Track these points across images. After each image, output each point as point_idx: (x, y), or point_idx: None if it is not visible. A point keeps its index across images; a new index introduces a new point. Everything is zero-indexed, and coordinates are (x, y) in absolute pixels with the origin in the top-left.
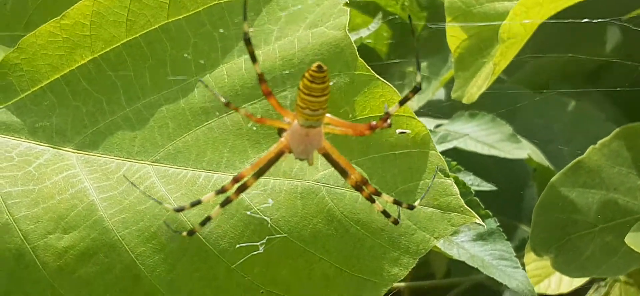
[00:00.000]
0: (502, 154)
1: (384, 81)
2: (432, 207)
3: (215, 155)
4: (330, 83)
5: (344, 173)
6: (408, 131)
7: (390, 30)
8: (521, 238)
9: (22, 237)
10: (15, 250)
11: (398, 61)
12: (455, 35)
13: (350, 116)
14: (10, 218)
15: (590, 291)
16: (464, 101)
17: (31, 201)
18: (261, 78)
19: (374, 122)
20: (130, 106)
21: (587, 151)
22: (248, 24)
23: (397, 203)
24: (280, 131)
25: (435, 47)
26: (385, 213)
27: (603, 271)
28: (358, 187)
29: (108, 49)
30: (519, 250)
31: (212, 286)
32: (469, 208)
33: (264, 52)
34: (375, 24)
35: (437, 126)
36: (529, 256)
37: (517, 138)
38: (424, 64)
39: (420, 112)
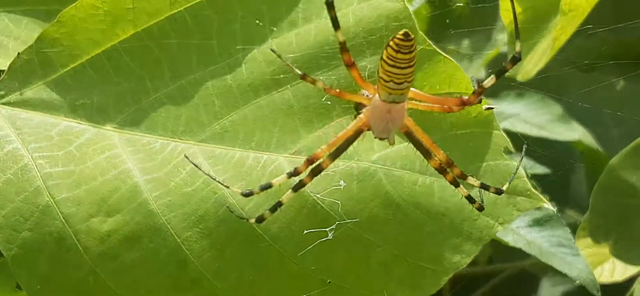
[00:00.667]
0: (552, 136)
1: (447, 56)
2: (497, 192)
3: (265, 135)
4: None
5: (427, 153)
6: (496, 106)
7: (428, 7)
8: (568, 224)
9: (63, 220)
10: (57, 234)
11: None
12: (509, 8)
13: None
14: (51, 200)
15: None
16: (519, 78)
17: (72, 182)
18: (343, 46)
19: (465, 97)
20: (175, 83)
21: None
22: None
23: (483, 187)
24: (359, 107)
25: (478, 24)
26: (470, 199)
27: None
28: (442, 169)
29: (151, 23)
30: None
31: (262, 273)
32: (536, 193)
33: (315, 27)
34: (418, 1)
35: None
36: (581, 242)
37: (567, 119)
38: (466, 42)
39: None
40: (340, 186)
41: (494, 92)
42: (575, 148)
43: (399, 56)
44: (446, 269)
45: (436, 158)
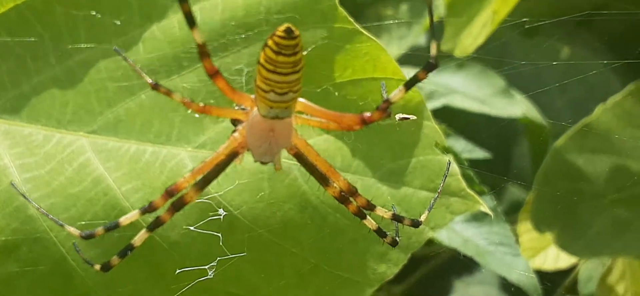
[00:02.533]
0: (494, 112)
1: (369, 35)
2: (427, 190)
3: (165, 125)
4: (305, 52)
5: (324, 180)
6: (413, 117)
7: None
8: (510, 201)
9: None
10: None
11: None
12: None
13: (329, 79)
14: None
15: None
16: (456, 53)
17: None
18: (203, 50)
19: (368, 114)
20: (61, 64)
21: (596, 111)
22: None
23: (396, 219)
24: (235, 123)
25: None
26: (379, 232)
27: (614, 249)
28: (343, 198)
29: None
30: (509, 216)
31: (159, 286)
32: (472, 193)
33: (223, 0)
34: None
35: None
36: (523, 225)
37: (510, 93)
38: (404, 7)
39: (400, 62)
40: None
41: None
42: (518, 121)
43: (280, 58)
44: (370, 280)
45: (335, 185)
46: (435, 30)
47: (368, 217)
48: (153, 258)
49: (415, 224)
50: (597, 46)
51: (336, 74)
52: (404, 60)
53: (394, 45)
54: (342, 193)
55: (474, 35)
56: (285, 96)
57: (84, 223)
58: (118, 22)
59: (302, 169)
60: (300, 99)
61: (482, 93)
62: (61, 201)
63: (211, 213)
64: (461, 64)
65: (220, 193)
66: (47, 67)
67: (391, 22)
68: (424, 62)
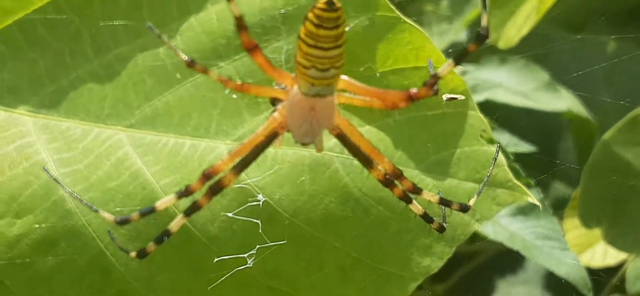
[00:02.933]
0: (538, 107)
1: (413, 23)
2: (473, 181)
3: (203, 119)
4: (347, 28)
5: (368, 162)
6: (461, 97)
7: None
8: (555, 197)
9: None
10: None
11: None
12: None
13: (371, 68)
14: None
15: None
16: (501, 45)
17: None
18: (240, 23)
19: (415, 90)
20: (99, 58)
21: None
22: None
23: (444, 203)
24: (274, 102)
25: None
26: (426, 217)
27: None
28: (388, 181)
29: None
30: (554, 211)
31: (200, 280)
32: (519, 184)
33: None
34: None
35: (463, 73)
36: (570, 222)
37: (554, 86)
38: (444, 3)
39: None
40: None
41: (474, 58)
42: (563, 117)
43: (322, 32)
44: (414, 274)
45: (380, 167)
46: (485, 1)
47: (414, 201)
48: (192, 251)
49: (464, 208)
50: None
51: (378, 64)
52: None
53: (434, 41)
54: (387, 176)
55: (518, 26)
56: (327, 72)
57: (124, 215)
58: (156, 15)
59: (344, 160)
60: (343, 77)
61: (525, 87)
62: (99, 195)
63: (250, 200)
64: (504, 58)
65: (259, 185)
66: (85, 62)
67: (431, 17)
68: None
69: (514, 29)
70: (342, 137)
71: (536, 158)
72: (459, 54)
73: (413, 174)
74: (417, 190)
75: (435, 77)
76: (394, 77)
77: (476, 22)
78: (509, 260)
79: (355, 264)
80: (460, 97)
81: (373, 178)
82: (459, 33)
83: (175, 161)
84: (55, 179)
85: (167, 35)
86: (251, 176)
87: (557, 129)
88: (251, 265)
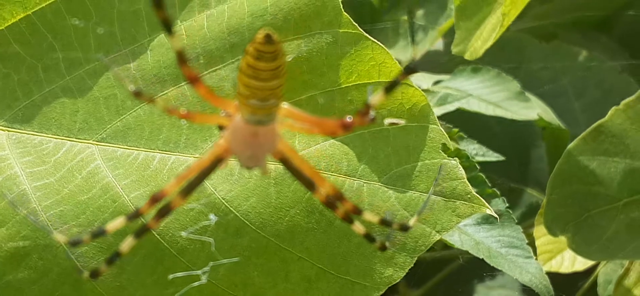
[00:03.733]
0: (509, 115)
1: (374, 40)
2: (434, 194)
3: (173, 132)
4: (288, 58)
5: (310, 185)
6: (402, 122)
7: None
8: (528, 204)
9: None
10: None
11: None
12: None
13: (335, 84)
14: None
15: (603, 268)
16: (467, 56)
17: None
18: (181, 57)
19: (349, 118)
20: (71, 74)
21: (609, 113)
22: None
23: (384, 223)
24: (221, 128)
25: None
26: (368, 237)
27: (628, 253)
28: (330, 203)
29: (44, 5)
30: (526, 219)
31: (168, 292)
32: (478, 196)
33: (230, 8)
34: None
35: (436, 82)
36: (539, 229)
37: (525, 96)
38: (419, 12)
39: (417, 66)
40: (232, 192)
41: (446, 68)
42: (535, 125)
43: (261, 64)
44: (377, 284)
45: (322, 190)
46: (413, 34)
47: (356, 222)
48: (161, 264)
49: (404, 228)
50: (615, 48)
51: (342, 80)
52: (420, 65)
53: (410, 50)
54: (329, 198)
55: (483, 38)
56: (268, 102)
57: (95, 228)
58: (127, 31)
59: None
60: (284, 105)
61: (497, 96)
62: (71, 208)
63: (218, 214)
64: (476, 68)
65: (226, 198)
66: (58, 77)
67: (406, 27)
68: (439, 66)
69: (480, 41)
70: (285, 161)
71: (509, 165)
72: (390, 85)
73: (376, 187)
74: (357, 211)
75: (368, 107)
76: (357, 93)
77: (451, 31)
78: (487, 264)
79: (320, 274)
80: (401, 121)
81: None
82: (434, 42)
83: (146, 174)
84: (11, 203)
85: (138, 50)
86: (218, 189)
87: (530, 137)
88: (205, 282)
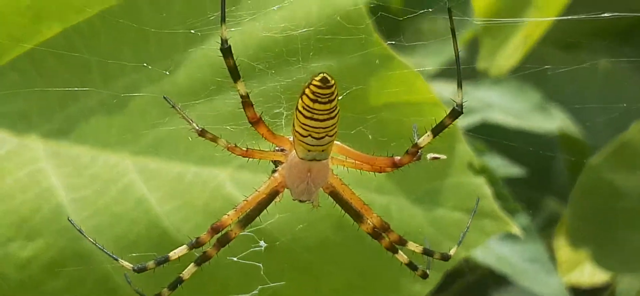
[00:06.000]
0: (531, 128)
1: (404, 61)
2: (460, 211)
3: (208, 147)
4: (340, 97)
5: (358, 217)
6: (443, 157)
7: None
8: (548, 215)
9: None
10: None
11: (412, 15)
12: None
13: (365, 104)
14: None
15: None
16: (492, 73)
17: None
18: (246, 101)
19: (398, 158)
20: (107, 88)
21: (632, 127)
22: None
23: (427, 253)
24: (276, 163)
25: (453, 2)
26: (411, 266)
27: None
28: (376, 234)
29: (80, 20)
30: (545, 229)
31: None
32: (503, 216)
33: (263, 26)
34: None
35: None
36: (560, 240)
37: (546, 108)
38: (441, 22)
39: (437, 76)
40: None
41: (470, 79)
42: (556, 137)
43: (317, 105)
44: None
45: (369, 222)
46: (460, 78)
47: (399, 251)
48: (196, 276)
49: (445, 258)
50: (638, 62)
51: (371, 99)
52: (441, 74)
53: (430, 60)
54: (375, 229)
55: (507, 55)
56: (322, 140)
57: (129, 240)
58: (163, 46)
59: None
60: (336, 142)
61: (519, 108)
62: (106, 219)
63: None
64: (498, 79)
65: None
66: (94, 91)
67: (428, 36)
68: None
69: (504, 58)
70: (335, 195)
71: (529, 177)
72: (436, 128)
73: (403, 204)
74: (402, 241)
75: (417, 147)
76: (387, 112)
77: (472, 41)
78: (497, 280)
79: (349, 288)
80: (443, 157)
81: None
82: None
83: (180, 187)
84: (80, 231)
85: (172, 65)
86: None
87: (550, 148)
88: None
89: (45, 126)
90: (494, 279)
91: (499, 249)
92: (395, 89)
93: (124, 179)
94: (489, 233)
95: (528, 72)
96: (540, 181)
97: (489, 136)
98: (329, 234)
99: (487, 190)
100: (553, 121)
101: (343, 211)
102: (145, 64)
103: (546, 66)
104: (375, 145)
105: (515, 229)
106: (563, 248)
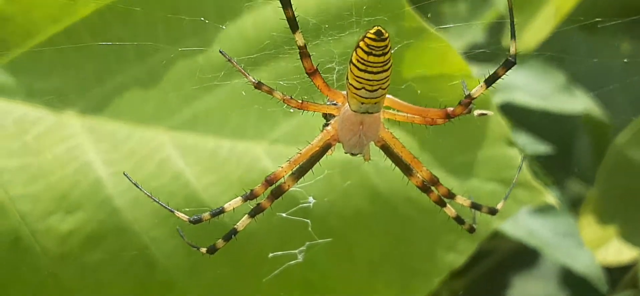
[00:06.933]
0: (555, 108)
1: (437, 33)
2: (495, 181)
3: (241, 121)
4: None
5: (408, 170)
6: (490, 113)
7: None
8: (571, 197)
9: (19, 218)
10: (12, 233)
11: None
12: None
13: (399, 76)
14: (6, 196)
15: None
16: (519, 49)
17: (29, 177)
18: (304, 51)
19: (451, 109)
20: (142, 63)
21: None
22: None
23: (475, 207)
24: (327, 117)
25: None
26: (458, 219)
27: None
28: (425, 188)
29: None
30: (571, 210)
31: (240, 271)
32: (538, 186)
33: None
34: None
35: (483, 74)
36: (586, 219)
37: (571, 89)
38: (462, 5)
39: None
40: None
41: (492, 60)
42: (579, 118)
43: (371, 58)
44: (439, 269)
45: (418, 175)
46: (513, 29)
47: (448, 205)
48: (233, 246)
49: (492, 211)
50: None
51: (404, 71)
52: (464, 58)
53: (452, 42)
54: (425, 183)
55: (535, 30)
56: (375, 93)
57: (167, 213)
58: (194, 22)
59: (374, 162)
60: (388, 96)
61: (542, 89)
62: (143, 193)
63: (285, 203)
64: (523, 60)
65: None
66: (129, 67)
67: (449, 19)
68: (482, 59)
69: (531, 34)
70: (386, 149)
71: (553, 157)
72: (491, 78)
73: (439, 175)
74: (451, 195)
75: (470, 98)
76: (421, 83)
77: (494, 23)
78: (525, 258)
79: (384, 258)
80: (490, 113)
81: (399, 179)
82: (476, 35)
83: (215, 162)
84: (135, 184)
85: (205, 41)
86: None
87: (574, 129)
88: (301, 260)
89: (82, 103)
90: (525, 253)
91: (530, 223)
92: (428, 60)
93: (160, 153)
94: (523, 203)
95: (551, 53)
96: (563, 162)
97: (513, 115)
98: (364, 205)
99: (521, 161)
100: (577, 102)
101: (377, 182)
102: (177, 40)
103: (569, 46)
104: None
105: (551, 198)
106: (589, 226)
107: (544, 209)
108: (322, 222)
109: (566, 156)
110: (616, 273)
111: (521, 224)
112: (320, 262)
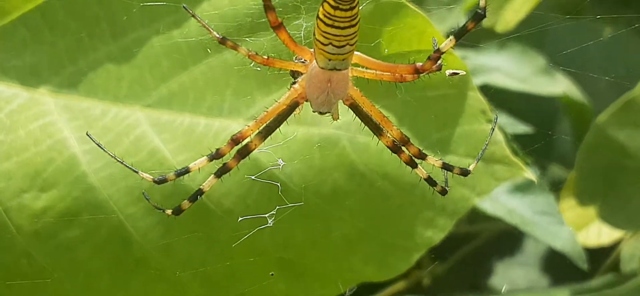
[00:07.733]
0: (535, 91)
1: (415, 8)
2: (472, 158)
3: (216, 98)
4: (361, 7)
5: (377, 129)
6: (462, 72)
7: None
8: (552, 178)
9: None
10: None
11: None
12: None
13: (376, 52)
14: None
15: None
16: (498, 29)
17: (2, 154)
18: (268, 4)
19: (420, 64)
20: (116, 41)
21: (638, 86)
22: None
23: (446, 167)
24: (294, 75)
25: None
26: (430, 181)
27: None
28: (396, 148)
29: None
30: (551, 192)
31: (214, 250)
32: (516, 160)
33: None
34: None
35: (463, 58)
36: (566, 202)
37: (551, 71)
38: None
39: None
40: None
41: (473, 43)
42: (559, 100)
43: (338, 13)
44: (417, 245)
45: (388, 135)
46: None
47: (419, 166)
48: (207, 224)
49: (464, 173)
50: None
51: (383, 46)
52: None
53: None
54: (395, 142)
55: (515, 10)
56: (343, 49)
57: (143, 190)
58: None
59: (351, 138)
60: (356, 52)
61: (523, 72)
62: (119, 171)
63: (260, 182)
64: (502, 43)
65: (272, 160)
66: (103, 44)
67: (431, 3)
68: (465, 41)
69: (511, 12)
70: (355, 107)
71: (533, 140)
72: (459, 32)
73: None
74: (422, 155)
75: (439, 52)
76: (399, 60)
77: (474, 7)
78: (507, 243)
79: (361, 235)
80: (462, 72)
81: (377, 155)
82: (458, 19)
83: (191, 138)
84: (100, 146)
85: (181, 19)
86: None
87: (554, 112)
88: (271, 225)
89: (55, 79)
90: (507, 238)
91: (510, 202)
92: (406, 35)
93: (135, 131)
94: (501, 179)
95: (530, 33)
96: (544, 144)
97: (493, 98)
98: (341, 182)
99: (499, 136)
100: (557, 84)
101: (355, 159)
102: (153, 18)
103: (548, 28)
104: (386, 91)
105: (529, 174)
106: (570, 209)
107: (522, 188)
108: (299, 199)
109: (546, 138)
110: (597, 255)
111: (501, 203)
112: (295, 241)
